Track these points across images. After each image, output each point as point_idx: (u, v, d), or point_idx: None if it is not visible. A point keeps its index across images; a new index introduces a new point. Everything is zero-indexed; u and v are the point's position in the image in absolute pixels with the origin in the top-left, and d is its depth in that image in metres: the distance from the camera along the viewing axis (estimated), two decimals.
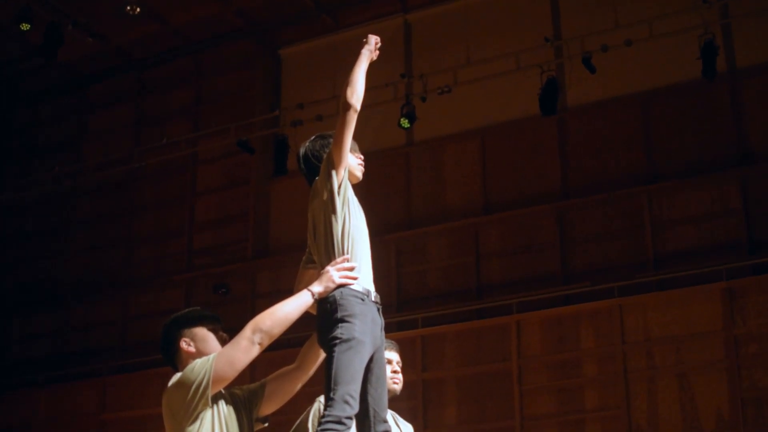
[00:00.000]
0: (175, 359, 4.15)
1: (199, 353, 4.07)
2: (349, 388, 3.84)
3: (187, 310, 4.29)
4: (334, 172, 4.11)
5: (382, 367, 4.12)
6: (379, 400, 4.05)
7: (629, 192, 12.91)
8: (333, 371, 3.85)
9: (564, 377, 12.25)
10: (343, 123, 4.08)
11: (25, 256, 17.03)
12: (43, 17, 14.05)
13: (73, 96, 17.51)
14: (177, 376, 4.00)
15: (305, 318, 4.10)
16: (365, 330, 3.96)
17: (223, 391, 4.02)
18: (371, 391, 4.02)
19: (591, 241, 13.05)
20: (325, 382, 3.88)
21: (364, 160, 4.34)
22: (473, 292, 13.47)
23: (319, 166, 4.18)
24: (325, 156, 4.17)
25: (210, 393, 3.89)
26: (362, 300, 4.02)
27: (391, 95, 13.81)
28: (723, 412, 11.29)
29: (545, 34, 13.43)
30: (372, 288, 4.11)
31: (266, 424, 4.26)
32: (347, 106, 4.09)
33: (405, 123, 13.48)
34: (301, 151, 4.32)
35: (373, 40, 4.29)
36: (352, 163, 4.23)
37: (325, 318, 4.00)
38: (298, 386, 4.28)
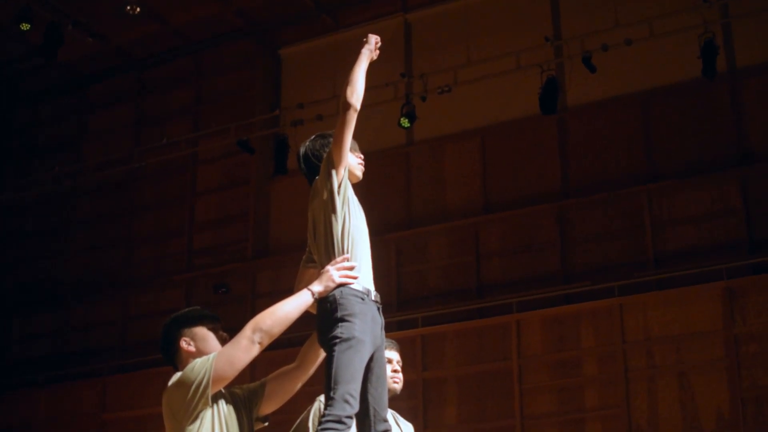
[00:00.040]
0: (175, 359, 4.15)
1: (199, 353, 4.07)
2: (350, 387, 3.84)
3: (187, 309, 4.30)
4: (334, 172, 4.11)
5: (383, 366, 4.12)
6: (380, 399, 4.06)
7: (629, 191, 12.91)
8: (333, 370, 3.86)
9: (564, 376, 12.25)
10: (343, 122, 4.09)
11: (25, 256, 17.03)
12: (43, 17, 14.06)
13: (73, 96, 17.51)
14: (177, 375, 4.01)
15: (305, 317, 4.10)
16: (365, 329, 3.96)
17: (223, 391, 4.03)
18: (371, 390, 4.02)
19: (591, 241, 13.05)
20: (325, 381, 3.88)
21: (364, 160, 4.34)
22: (473, 291, 13.47)
23: (319, 166, 4.18)
24: (325, 155, 4.17)
25: (210, 392, 3.89)
26: (362, 299, 4.02)
27: (391, 95, 13.81)
28: (723, 412, 11.29)
29: (545, 33, 13.43)
30: (372, 287, 4.11)
31: (266, 424, 4.26)
32: (347, 106, 4.09)
33: (405, 122, 13.48)
34: (301, 150, 4.33)
35: (373, 40, 4.29)
36: (352, 162, 4.23)
37: (325, 317, 4.00)
38: (298, 385, 4.28)
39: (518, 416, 12.25)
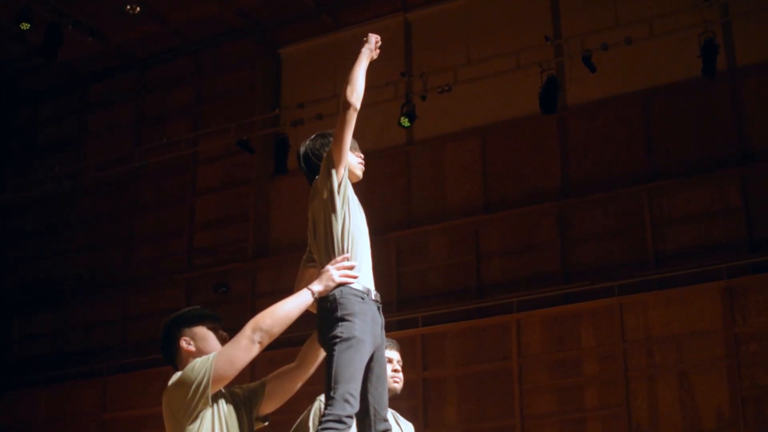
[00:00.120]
0: (175, 358, 4.14)
1: (200, 352, 4.07)
2: (350, 386, 3.84)
3: (187, 309, 4.29)
4: (334, 171, 4.11)
5: (383, 365, 4.11)
6: (380, 398, 4.05)
7: (629, 191, 12.91)
8: (333, 370, 3.85)
9: (564, 376, 12.25)
10: (343, 122, 4.08)
11: (26, 255, 17.03)
12: (43, 17, 14.05)
13: (74, 96, 17.52)
14: (177, 375, 4.00)
15: (305, 317, 4.10)
16: (365, 329, 3.95)
17: (223, 390, 4.02)
18: (371, 389, 4.02)
19: (591, 240, 13.05)
20: (325, 380, 3.88)
21: (364, 159, 4.34)
22: (473, 290, 13.47)
23: (319, 165, 4.18)
24: (325, 155, 4.17)
25: (210, 392, 3.89)
26: (362, 299, 4.02)
27: (392, 94, 13.81)
28: (723, 411, 11.28)
29: (545, 32, 13.42)
30: (372, 287, 4.11)
31: (266, 423, 4.26)
32: (347, 105, 4.09)
33: (405, 122, 13.48)
34: (302, 149, 4.32)
35: (374, 39, 4.29)
36: (352, 161, 4.23)
37: (326, 317, 4.00)
38: (299, 385, 4.28)
39: (518, 416, 12.25)
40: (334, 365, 3.86)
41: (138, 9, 14.40)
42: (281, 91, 15.87)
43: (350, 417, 3.83)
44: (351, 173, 4.21)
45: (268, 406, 4.21)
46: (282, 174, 14.45)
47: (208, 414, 3.92)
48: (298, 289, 4.11)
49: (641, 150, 13.15)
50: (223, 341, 4.11)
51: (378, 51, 4.30)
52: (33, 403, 15.48)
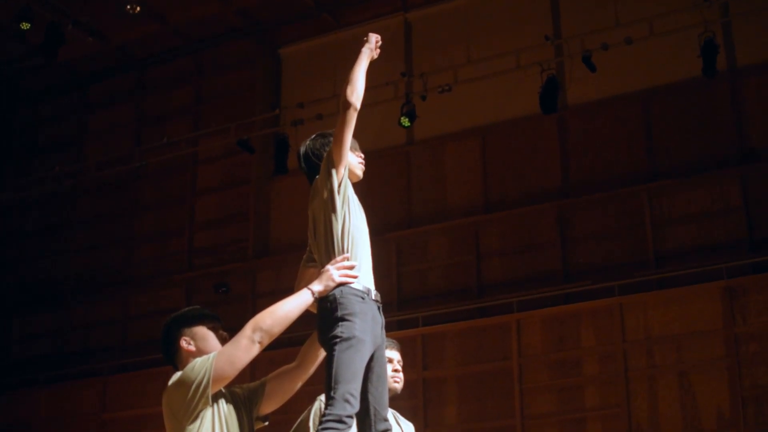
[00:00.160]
0: (175, 358, 4.14)
1: (200, 352, 4.06)
2: (350, 386, 3.83)
3: (187, 309, 4.29)
4: (334, 171, 4.11)
5: (383, 365, 4.11)
6: (380, 398, 4.05)
7: (629, 190, 12.91)
8: (333, 370, 3.85)
9: (564, 376, 12.25)
10: (343, 121, 4.08)
11: (26, 255, 17.03)
12: (43, 17, 14.05)
13: (74, 95, 17.52)
14: (177, 375, 4.00)
15: (306, 316, 4.10)
16: (365, 328, 3.95)
17: (223, 390, 4.02)
18: (372, 389, 4.02)
19: (591, 240, 13.05)
20: (325, 380, 3.88)
21: (364, 159, 4.34)
22: (474, 290, 13.47)
23: (319, 165, 4.18)
24: (325, 154, 4.17)
25: (210, 392, 3.89)
26: (362, 298, 4.01)
27: (392, 94, 13.81)
28: (723, 411, 11.28)
29: (545, 32, 13.42)
30: (372, 286, 4.11)
31: (266, 423, 4.25)
32: (347, 105, 4.09)
33: (405, 122, 13.48)
34: (302, 149, 4.32)
35: (374, 39, 4.29)
36: (352, 161, 4.23)
37: (326, 317, 4.00)
38: (299, 385, 4.27)
39: (518, 416, 12.25)
40: (335, 365, 3.86)
41: (138, 9, 14.38)
42: (281, 91, 15.87)
43: (350, 417, 3.82)
44: (351, 173, 4.21)
45: (268, 406, 4.21)
46: (282, 174, 14.45)
47: (208, 414, 3.92)
48: (299, 288, 4.11)
49: (641, 150, 13.15)
50: (223, 341, 4.11)
51: (378, 51, 4.30)
52: (33, 402, 15.48)
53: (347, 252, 4.07)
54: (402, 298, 13.80)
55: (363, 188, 4.33)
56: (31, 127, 17.86)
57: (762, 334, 11.35)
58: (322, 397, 4.43)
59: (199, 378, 3.89)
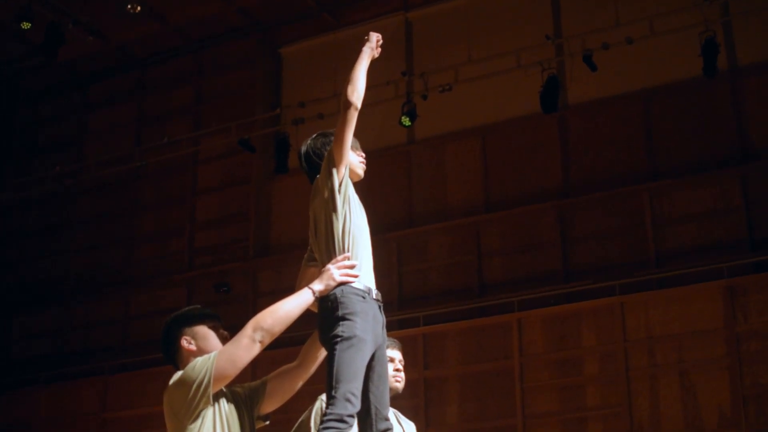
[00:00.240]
0: (176, 358, 4.14)
1: (200, 351, 4.06)
2: (351, 386, 3.83)
3: (187, 308, 4.29)
4: (334, 170, 4.10)
5: (384, 364, 4.11)
6: (381, 397, 4.05)
7: (630, 190, 12.91)
8: (334, 369, 3.85)
9: (565, 375, 12.25)
10: (344, 121, 4.08)
11: (26, 255, 17.03)
12: (43, 16, 14.05)
13: (74, 95, 17.52)
14: (178, 374, 4.00)
15: (306, 316, 4.10)
16: (366, 328, 3.95)
17: (224, 389, 4.02)
18: (373, 389, 4.02)
19: (592, 239, 13.04)
20: (326, 380, 3.87)
21: (365, 158, 4.34)
22: (474, 290, 13.46)
23: (320, 164, 4.18)
24: (326, 154, 4.17)
25: (211, 391, 3.89)
26: (363, 298, 4.01)
27: (392, 93, 13.80)
28: (725, 410, 11.28)
29: (546, 31, 13.43)
30: (373, 286, 4.10)
31: (267, 422, 4.25)
32: (348, 104, 4.09)
33: (406, 121, 13.48)
34: (303, 149, 4.32)
35: (375, 38, 4.28)
36: (353, 161, 4.22)
37: (327, 316, 4.00)
38: (300, 384, 4.27)
39: (519, 415, 12.24)
40: (336, 364, 3.86)
41: (138, 8, 14.39)
42: (282, 91, 15.86)
43: (351, 416, 3.82)
44: (352, 172, 4.21)
45: (269, 405, 4.21)
46: (283, 173, 14.45)
47: (209, 413, 3.92)
48: (300, 288, 4.11)
49: (642, 149, 13.14)
50: (224, 340, 4.11)
51: (379, 50, 4.29)
52: (33, 402, 15.47)
53: (348, 251, 4.07)
54: (403, 297, 13.79)
55: (363, 187, 4.33)
56: (31, 126, 17.85)
57: (763, 333, 11.35)
58: (323, 397, 4.43)
59: (200, 377, 3.89)
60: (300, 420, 5.03)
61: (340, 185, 4.10)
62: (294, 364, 4.27)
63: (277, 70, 16.06)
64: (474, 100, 13.96)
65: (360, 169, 4.29)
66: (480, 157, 14.05)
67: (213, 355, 3.95)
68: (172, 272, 15.68)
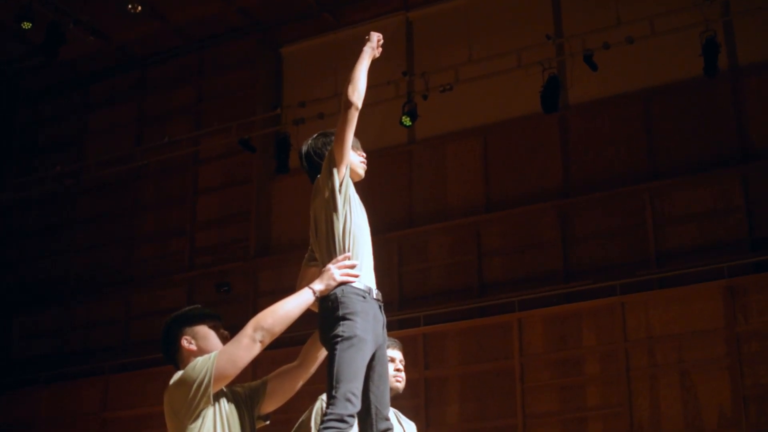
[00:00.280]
0: (176, 357, 4.14)
1: (201, 351, 4.06)
2: (351, 385, 3.83)
3: (187, 308, 4.28)
4: (335, 170, 4.10)
5: (384, 364, 4.11)
6: (381, 397, 4.05)
7: (631, 190, 12.91)
8: (335, 369, 3.85)
9: (566, 375, 12.24)
10: (345, 121, 4.08)
11: (26, 255, 17.03)
12: (44, 16, 14.04)
13: (74, 95, 17.51)
14: (178, 374, 4.00)
15: (307, 316, 4.10)
16: (367, 327, 3.95)
17: (224, 389, 4.02)
18: (373, 388, 4.02)
19: (592, 239, 13.04)
20: (327, 379, 3.87)
21: (366, 158, 4.34)
22: (475, 290, 13.46)
23: (321, 164, 4.18)
24: (326, 154, 4.17)
25: (212, 391, 3.89)
26: (364, 297, 4.01)
27: (393, 93, 13.80)
28: (725, 410, 11.27)
29: (547, 31, 13.42)
30: (374, 285, 4.10)
31: (268, 422, 4.25)
32: (349, 104, 4.09)
33: (407, 121, 13.48)
34: (304, 148, 4.32)
35: (375, 38, 4.28)
36: (354, 160, 4.22)
37: (327, 316, 4.00)
38: (300, 384, 4.27)
39: (520, 415, 12.24)
40: (336, 364, 3.86)
41: (139, 8, 14.39)
42: (282, 90, 15.86)
43: (352, 416, 3.82)
44: (353, 172, 4.20)
45: (270, 405, 4.21)
46: (283, 173, 14.45)
47: (209, 413, 3.92)
48: (300, 288, 4.10)
49: (642, 149, 13.14)
50: (225, 340, 4.11)
51: (380, 49, 4.29)
52: (34, 402, 15.47)
53: (348, 251, 4.07)
54: (403, 297, 13.79)
55: (364, 187, 4.33)
56: (31, 126, 17.85)
57: (763, 333, 11.35)
58: (324, 397, 4.42)
59: (200, 377, 3.89)
60: (300, 420, 5.03)
61: (340, 185, 4.10)
62: (294, 363, 4.27)
63: (278, 70, 16.06)
64: (474, 99, 13.96)
65: (361, 169, 4.29)
66: (480, 157, 14.05)
67: (213, 354, 3.95)
68: (173, 272, 15.68)
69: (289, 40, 15.99)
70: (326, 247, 4.11)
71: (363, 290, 4.02)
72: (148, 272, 15.93)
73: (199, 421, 3.89)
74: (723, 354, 11.47)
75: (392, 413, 4.54)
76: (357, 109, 4.10)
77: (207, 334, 4.13)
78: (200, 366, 3.92)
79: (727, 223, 12.34)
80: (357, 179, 4.25)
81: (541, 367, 12.42)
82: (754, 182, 12.33)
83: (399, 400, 5.09)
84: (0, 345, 16.74)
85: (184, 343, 4.11)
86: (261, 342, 3.94)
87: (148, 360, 14.17)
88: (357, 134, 4.16)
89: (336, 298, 3.99)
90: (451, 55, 14.04)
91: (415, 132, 14.46)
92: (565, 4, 14.01)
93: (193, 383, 3.89)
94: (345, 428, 3.77)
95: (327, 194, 4.10)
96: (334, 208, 4.09)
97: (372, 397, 4.01)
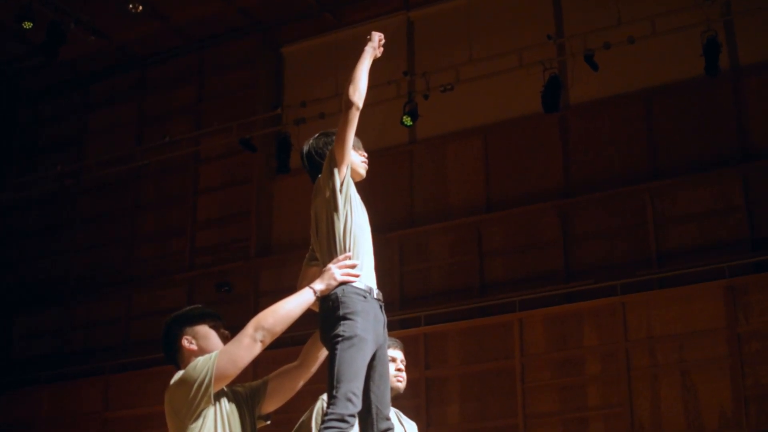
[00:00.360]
0: (177, 357, 4.14)
1: (201, 351, 4.06)
2: (352, 385, 3.83)
3: (188, 308, 4.28)
4: (336, 170, 4.10)
5: (385, 364, 4.11)
6: (382, 397, 4.05)
7: (631, 189, 12.90)
8: (335, 369, 3.85)
9: (566, 375, 12.24)
10: (346, 121, 4.08)
11: (27, 255, 17.03)
12: (45, 16, 14.04)
13: (75, 95, 17.51)
14: (179, 374, 4.00)
15: (308, 315, 4.09)
16: (367, 327, 3.95)
17: (225, 389, 4.01)
18: (374, 388, 4.01)
19: (593, 239, 13.04)
20: (327, 379, 3.87)
21: (367, 158, 4.33)
22: (476, 289, 13.46)
23: (322, 164, 4.18)
24: (327, 153, 4.17)
25: (212, 391, 3.89)
26: (364, 297, 4.01)
27: (394, 93, 13.80)
28: (726, 410, 11.27)
29: (548, 31, 13.42)
30: (374, 285, 4.10)
31: (268, 422, 4.25)
32: (350, 104, 4.08)
33: (407, 121, 13.48)
34: (305, 148, 4.32)
35: (377, 37, 4.28)
36: (355, 160, 4.22)
37: (328, 315, 3.99)
38: (301, 384, 4.27)
39: (521, 415, 12.24)
40: (337, 364, 3.85)
41: (140, 8, 14.39)
42: (283, 90, 15.86)
43: (353, 416, 3.82)
44: (354, 172, 4.20)
45: (270, 405, 4.21)
46: (284, 173, 14.44)
47: (210, 412, 3.91)
48: (301, 287, 4.10)
49: (643, 149, 13.14)
50: (225, 340, 4.11)
51: (381, 49, 4.29)
52: (35, 402, 15.48)
53: (349, 251, 4.07)
54: (404, 297, 13.79)
55: (365, 187, 4.32)
56: (31, 126, 17.85)
57: (764, 333, 11.34)
58: (324, 396, 4.42)
59: (201, 377, 3.88)
60: (301, 420, 5.02)
61: (341, 185, 4.10)
62: (295, 363, 4.27)
63: (279, 70, 16.06)
64: (475, 99, 13.96)
65: (362, 168, 4.29)
66: (481, 157, 14.05)
67: (214, 354, 3.95)
68: (173, 272, 15.68)
69: (289, 39, 15.99)
70: (327, 246, 4.10)
71: (364, 290, 4.02)
72: (148, 272, 15.93)
73: (200, 420, 3.89)
74: (724, 354, 11.46)
75: (393, 413, 4.53)
76: (358, 108, 4.10)
77: (207, 333, 4.13)
78: (201, 366, 3.91)
79: (728, 223, 12.34)
80: (358, 179, 4.25)
81: (542, 366, 12.42)
82: (754, 182, 12.33)
83: (400, 400, 5.08)
84: (0, 345, 16.75)
85: (185, 342, 4.11)
86: (262, 342, 3.93)
87: (149, 360, 14.17)
88: (358, 134, 4.16)
89: (337, 297, 3.98)
90: (452, 54, 14.04)
91: (416, 132, 14.46)
92: (565, 4, 14.01)
93: (194, 383, 3.89)
94: (346, 428, 3.77)
95: (328, 194, 4.10)
96: (335, 208, 4.08)
97: (373, 396, 4.01)
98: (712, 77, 12.18)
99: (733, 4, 12.56)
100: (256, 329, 3.93)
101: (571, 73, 13.20)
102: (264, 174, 15.45)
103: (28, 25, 13.83)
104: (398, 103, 13.62)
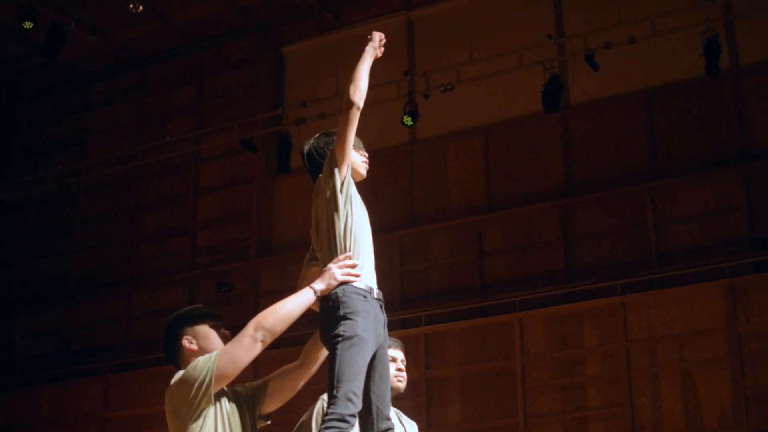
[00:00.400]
0: (177, 357, 4.14)
1: (202, 351, 4.06)
2: (352, 385, 3.83)
3: (188, 307, 4.28)
4: (336, 170, 4.10)
5: (385, 364, 4.11)
6: (382, 397, 4.05)
7: (632, 189, 12.90)
8: (336, 369, 3.85)
9: (567, 375, 12.24)
10: (346, 120, 4.08)
11: (27, 254, 17.03)
12: (45, 15, 14.03)
13: (76, 94, 17.51)
14: (180, 373, 4.00)
15: (308, 315, 4.09)
16: (368, 327, 3.95)
17: (225, 389, 4.02)
18: (374, 388, 4.02)
19: (594, 239, 13.03)
20: (328, 379, 3.87)
21: (368, 158, 4.33)
22: (476, 289, 13.46)
23: (323, 164, 4.18)
24: (328, 153, 4.17)
25: (213, 390, 3.89)
26: (365, 297, 4.01)
27: (395, 93, 13.80)
28: (726, 410, 11.27)
29: (548, 31, 13.42)
30: (375, 285, 4.10)
31: (269, 422, 4.25)
32: (350, 104, 4.09)
33: (408, 121, 13.48)
34: (305, 148, 4.32)
35: (378, 37, 4.28)
36: (356, 160, 4.22)
37: (328, 315, 4.00)
38: (301, 384, 4.27)
39: (521, 415, 12.24)
40: (337, 364, 3.86)
41: (140, 8, 14.39)
42: (284, 90, 15.86)
43: (353, 416, 3.82)
44: (355, 172, 4.20)
45: (271, 405, 4.21)
46: (285, 173, 14.44)
47: (210, 412, 3.91)
48: (301, 287, 4.10)
49: (644, 148, 13.14)
50: (226, 339, 4.11)
51: (382, 49, 4.29)
52: (35, 401, 15.48)
53: (349, 251, 4.07)
54: (404, 297, 13.79)
55: (365, 187, 4.33)
56: (32, 126, 17.85)
57: (765, 333, 11.34)
58: (325, 396, 4.42)
59: (201, 376, 3.88)
60: (301, 420, 5.02)
61: (342, 185, 4.10)
62: (295, 363, 4.27)
63: (279, 70, 16.05)
64: (476, 99, 13.96)
65: (363, 168, 4.29)
66: (482, 157, 14.05)
67: (214, 354, 3.95)
68: (173, 272, 15.68)
69: (290, 39, 15.99)
70: (327, 246, 4.10)
71: (364, 290, 4.02)
72: (148, 272, 15.93)
73: (200, 420, 3.89)
74: (724, 354, 11.46)
75: (393, 413, 4.53)
76: (359, 108, 4.10)
77: (208, 333, 4.13)
78: (201, 365, 3.91)
79: (728, 223, 12.34)
80: (359, 179, 4.25)
81: (542, 366, 12.42)
82: (755, 182, 12.33)
83: (400, 400, 5.08)
84: (0, 345, 16.75)
85: (185, 342, 4.11)
86: (262, 341, 3.94)
87: (149, 360, 14.17)
88: (358, 134, 4.16)
89: (337, 297, 3.99)
90: (453, 54, 14.03)
91: (417, 132, 14.46)
92: (566, 3, 14.00)
93: (194, 383, 3.89)
94: (346, 428, 3.77)
95: (328, 194, 4.10)
96: (336, 208, 4.09)
97: (373, 396, 4.01)
98: (712, 77, 12.17)
99: (733, 4, 12.55)
100: (256, 329, 3.94)
101: (571, 73, 13.20)
102: (264, 174, 15.45)
103: (28, 25, 13.83)
104: (399, 103, 13.62)
